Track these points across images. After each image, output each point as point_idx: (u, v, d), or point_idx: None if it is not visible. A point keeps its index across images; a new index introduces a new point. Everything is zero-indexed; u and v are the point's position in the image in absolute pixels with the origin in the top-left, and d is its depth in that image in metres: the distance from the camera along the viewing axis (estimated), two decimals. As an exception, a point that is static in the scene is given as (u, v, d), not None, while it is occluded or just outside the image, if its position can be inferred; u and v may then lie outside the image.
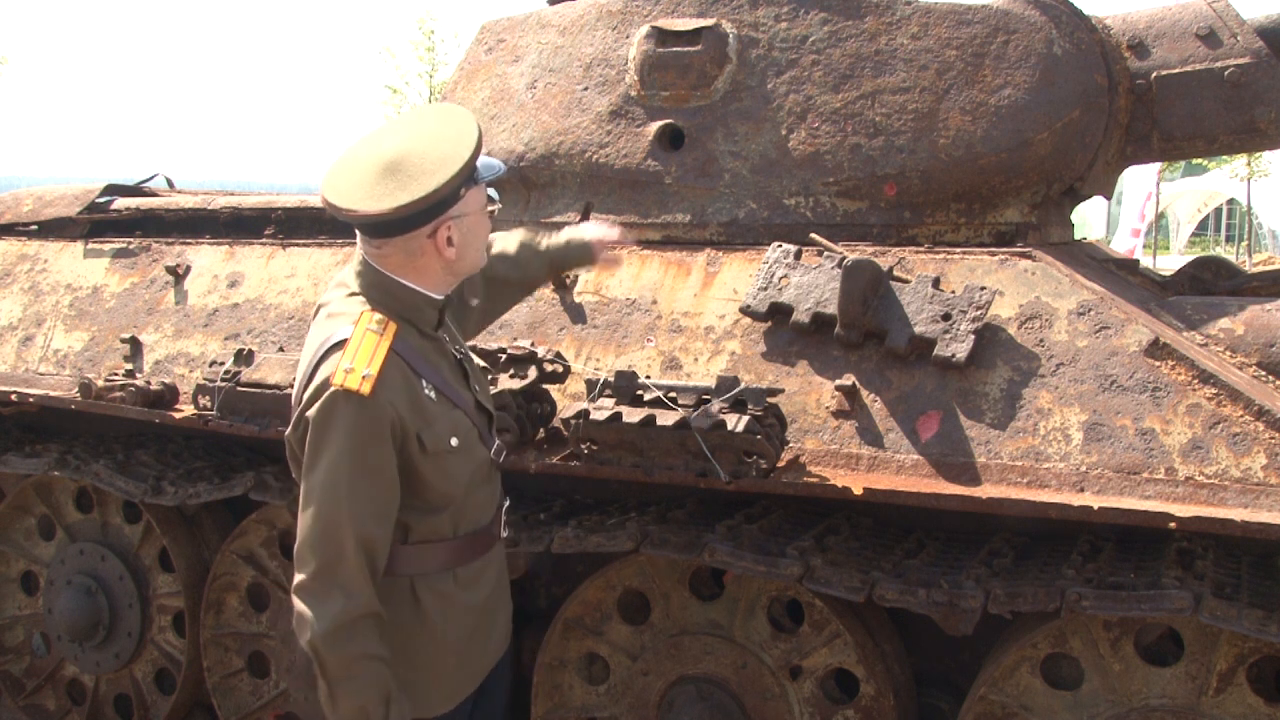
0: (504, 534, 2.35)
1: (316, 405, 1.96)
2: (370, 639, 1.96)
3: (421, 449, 2.03)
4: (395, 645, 2.08)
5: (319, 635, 1.92)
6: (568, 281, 3.22)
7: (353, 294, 2.09)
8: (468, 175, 2.03)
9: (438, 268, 2.09)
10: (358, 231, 2.08)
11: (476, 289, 2.52)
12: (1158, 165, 15.96)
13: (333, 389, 1.94)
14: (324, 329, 2.06)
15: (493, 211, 2.17)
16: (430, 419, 2.06)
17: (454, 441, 2.09)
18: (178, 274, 3.89)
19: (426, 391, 2.07)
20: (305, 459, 1.99)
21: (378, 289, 2.07)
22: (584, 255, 2.71)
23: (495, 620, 2.33)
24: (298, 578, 1.96)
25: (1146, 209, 19.29)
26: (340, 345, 1.98)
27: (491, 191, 2.21)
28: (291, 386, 3.09)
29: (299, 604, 1.95)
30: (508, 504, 2.38)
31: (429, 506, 2.11)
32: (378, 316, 2.02)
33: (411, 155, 2.00)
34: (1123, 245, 17.73)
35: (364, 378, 1.93)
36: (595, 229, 2.77)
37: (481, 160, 2.11)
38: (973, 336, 2.65)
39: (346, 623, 1.92)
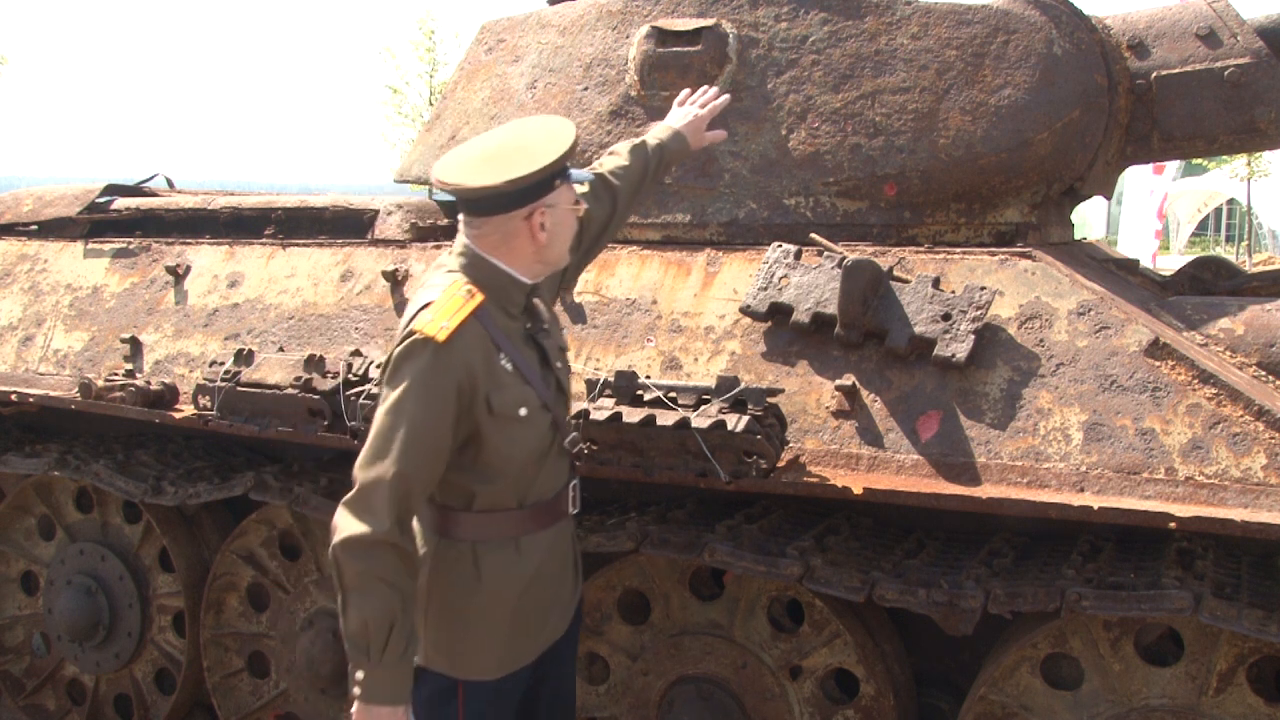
0: (574, 510, 2.43)
1: (398, 347, 2.14)
2: (387, 565, 2.07)
3: (489, 410, 2.17)
4: (451, 607, 2.24)
5: (339, 543, 2.07)
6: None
7: (450, 271, 2.27)
8: (563, 167, 2.23)
9: (529, 251, 2.25)
10: (461, 214, 2.28)
11: (602, 199, 2.65)
12: (1175, 163, 15.61)
13: (414, 335, 2.12)
14: (420, 297, 2.24)
15: (579, 211, 2.35)
16: (502, 385, 2.20)
17: (522, 412, 2.22)
18: (178, 274, 3.89)
19: (503, 363, 2.21)
20: (381, 394, 2.16)
21: (473, 267, 2.25)
22: (683, 146, 2.84)
23: (557, 596, 2.40)
24: (347, 495, 2.12)
25: (1166, 208, 18.87)
26: (429, 305, 2.17)
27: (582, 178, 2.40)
28: (291, 386, 3.12)
29: (337, 514, 2.10)
30: (577, 481, 2.45)
31: (491, 473, 2.22)
32: (468, 286, 2.20)
33: (515, 144, 2.25)
34: (1146, 248, 17.18)
35: (442, 327, 2.11)
36: (683, 114, 2.87)
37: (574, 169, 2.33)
38: (973, 336, 2.65)
39: (367, 542, 2.05)
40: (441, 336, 2.10)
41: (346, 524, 2.07)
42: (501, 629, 2.28)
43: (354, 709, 2.13)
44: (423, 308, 2.17)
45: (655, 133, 2.81)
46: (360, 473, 2.10)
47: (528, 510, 2.29)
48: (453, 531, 2.25)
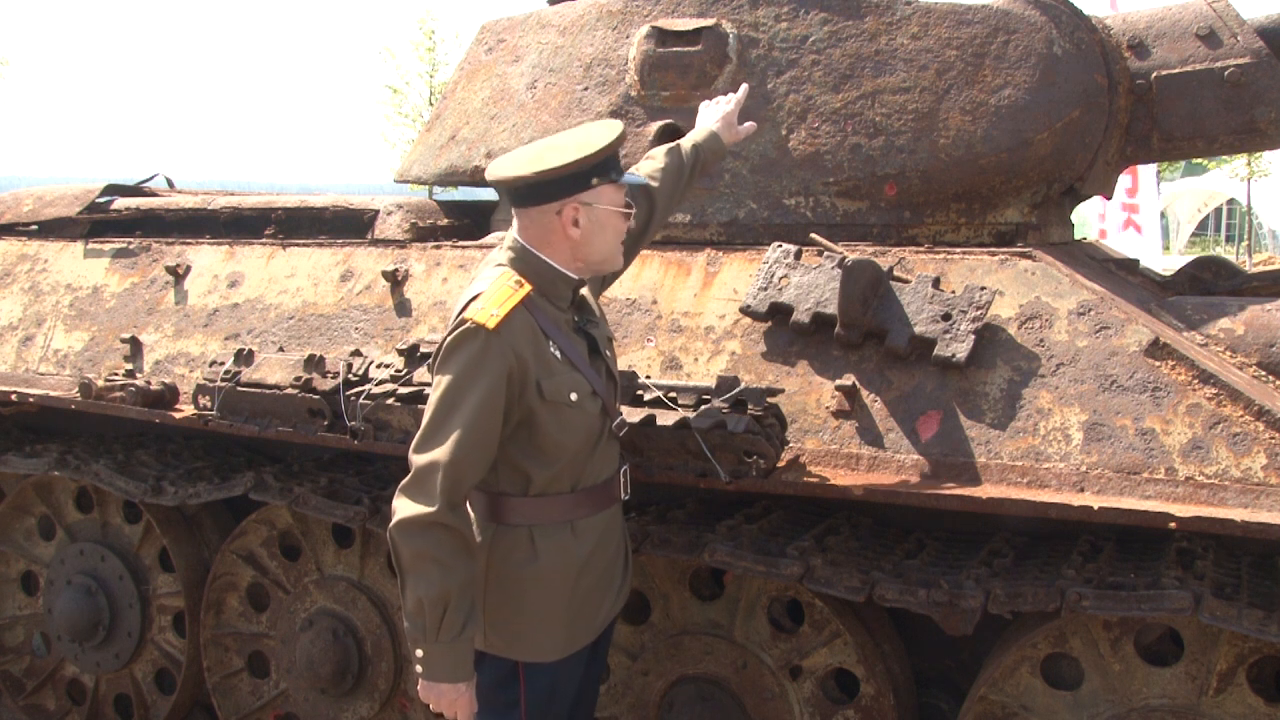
0: (625, 496, 2.50)
1: (450, 335, 2.22)
2: (441, 546, 2.16)
3: (540, 395, 2.25)
4: (510, 590, 2.33)
5: (395, 526, 2.18)
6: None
7: (498, 265, 2.36)
8: (599, 164, 2.27)
9: (566, 248, 2.32)
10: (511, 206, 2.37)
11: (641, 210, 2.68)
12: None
13: (465, 324, 2.20)
14: (470, 289, 2.32)
15: (628, 215, 2.39)
16: (552, 372, 2.28)
17: (573, 397, 2.29)
18: (178, 274, 3.89)
19: (552, 350, 2.30)
20: (433, 380, 2.24)
21: (520, 260, 2.34)
22: (718, 144, 2.86)
23: (611, 580, 2.49)
24: (403, 480, 2.21)
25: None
26: (479, 295, 2.25)
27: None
28: (291, 386, 3.12)
29: (395, 499, 2.21)
30: (628, 467, 2.52)
31: (546, 459, 2.31)
32: (516, 277, 2.29)
33: (560, 142, 2.34)
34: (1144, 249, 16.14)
35: (492, 315, 2.19)
36: (712, 112, 2.89)
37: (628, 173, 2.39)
38: (973, 336, 2.65)
39: (421, 524, 2.15)
40: (492, 324, 2.17)
41: (402, 507, 2.17)
42: (559, 611, 2.36)
43: (419, 686, 2.23)
44: (473, 298, 2.24)
45: (690, 136, 2.84)
46: (415, 457, 2.18)
47: (580, 494, 2.37)
48: (508, 517, 2.33)
